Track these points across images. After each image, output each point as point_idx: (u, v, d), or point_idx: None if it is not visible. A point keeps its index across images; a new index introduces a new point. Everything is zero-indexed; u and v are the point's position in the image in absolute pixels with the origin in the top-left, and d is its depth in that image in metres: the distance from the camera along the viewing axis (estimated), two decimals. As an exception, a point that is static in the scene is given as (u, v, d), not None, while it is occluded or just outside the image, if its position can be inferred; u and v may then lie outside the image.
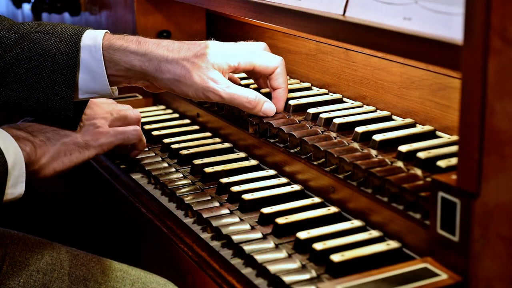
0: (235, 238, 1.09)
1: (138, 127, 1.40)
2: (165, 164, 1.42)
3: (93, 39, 1.25)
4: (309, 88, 1.52)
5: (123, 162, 1.47)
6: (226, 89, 1.27)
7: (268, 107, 1.32)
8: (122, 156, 1.48)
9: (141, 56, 1.26)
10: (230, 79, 1.39)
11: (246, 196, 1.20)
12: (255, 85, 1.47)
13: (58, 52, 1.23)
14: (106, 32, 1.28)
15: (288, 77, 1.61)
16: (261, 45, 1.38)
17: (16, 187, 1.17)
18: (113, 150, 1.41)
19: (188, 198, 1.25)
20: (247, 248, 1.06)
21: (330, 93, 1.47)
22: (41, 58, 1.24)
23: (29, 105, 1.26)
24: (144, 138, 1.43)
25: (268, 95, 1.36)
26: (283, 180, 1.27)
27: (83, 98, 1.28)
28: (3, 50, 1.24)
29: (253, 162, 1.37)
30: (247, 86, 1.47)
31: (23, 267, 1.31)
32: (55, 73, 1.23)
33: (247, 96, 1.29)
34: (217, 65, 1.27)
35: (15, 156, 1.17)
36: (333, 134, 1.25)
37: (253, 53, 1.33)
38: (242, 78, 1.54)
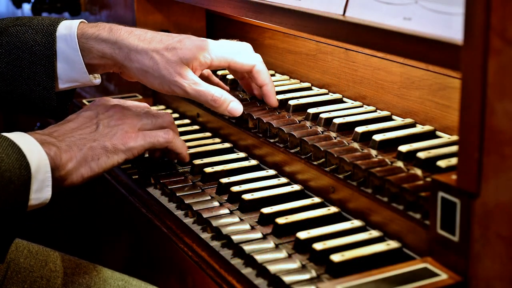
0: (235, 238, 1.09)
1: (170, 130, 1.32)
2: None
3: (68, 28, 1.26)
4: (309, 88, 1.52)
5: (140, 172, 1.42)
6: (193, 85, 1.26)
7: (234, 106, 1.31)
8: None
9: (112, 44, 1.26)
10: (206, 77, 1.39)
11: (246, 196, 1.20)
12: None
13: (35, 44, 1.25)
14: (81, 22, 1.28)
15: (287, 77, 1.61)
16: (243, 45, 1.37)
17: (41, 192, 1.11)
18: (162, 156, 1.36)
19: (188, 198, 1.25)
20: (247, 248, 1.06)
21: (330, 93, 1.47)
22: (20, 50, 1.25)
23: (14, 98, 1.27)
24: (178, 141, 1.34)
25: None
26: (283, 180, 1.27)
27: (64, 87, 1.29)
28: None
29: (253, 162, 1.37)
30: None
31: (27, 274, 1.32)
32: (34, 64, 1.24)
33: (213, 93, 1.28)
34: (187, 60, 1.26)
35: (39, 160, 1.11)
36: (333, 134, 1.25)
37: (229, 51, 1.32)
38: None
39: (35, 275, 1.32)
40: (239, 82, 1.46)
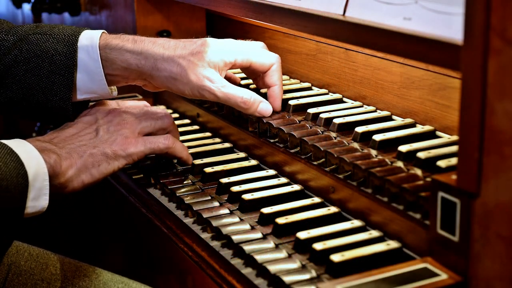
0: (235, 238, 1.09)
1: (169, 136, 1.32)
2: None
3: (90, 39, 1.26)
4: (309, 88, 1.52)
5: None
6: (222, 88, 1.27)
7: (264, 107, 1.32)
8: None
9: (137, 55, 1.26)
10: (229, 77, 1.39)
11: (246, 196, 1.20)
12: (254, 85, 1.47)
13: (55, 53, 1.24)
14: (103, 32, 1.28)
15: (287, 77, 1.61)
16: (259, 44, 1.38)
17: (38, 200, 1.11)
18: (162, 158, 1.37)
19: (188, 198, 1.25)
20: (247, 248, 1.06)
21: (330, 93, 1.47)
22: (39, 59, 1.24)
23: (29, 106, 1.26)
24: (179, 145, 1.34)
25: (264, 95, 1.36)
26: (283, 180, 1.27)
27: (82, 98, 1.28)
28: (1, 52, 1.25)
29: (253, 162, 1.37)
30: (247, 86, 1.48)
31: (28, 276, 1.32)
32: (53, 74, 1.23)
33: (242, 96, 1.28)
34: (213, 63, 1.27)
35: (37, 168, 1.10)
36: (333, 134, 1.25)
37: (250, 51, 1.32)
38: (242, 78, 1.54)
39: (35, 278, 1.32)
40: (253, 81, 1.45)
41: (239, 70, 1.47)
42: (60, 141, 1.21)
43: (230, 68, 1.32)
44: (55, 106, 1.25)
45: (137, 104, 1.38)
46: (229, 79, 1.39)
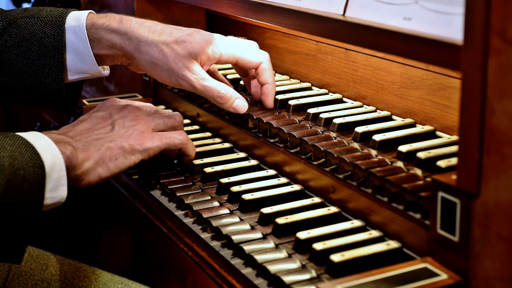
0: (235, 238, 1.09)
1: (183, 132, 1.33)
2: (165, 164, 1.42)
3: (77, 19, 1.26)
4: (309, 88, 1.52)
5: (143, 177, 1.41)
6: (200, 80, 1.27)
7: (239, 103, 1.31)
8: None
9: (122, 35, 1.26)
10: (213, 73, 1.39)
11: (246, 196, 1.20)
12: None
13: (44, 36, 1.24)
14: (90, 12, 1.28)
15: (287, 77, 1.61)
16: (250, 43, 1.37)
17: (57, 191, 1.09)
18: (162, 157, 1.36)
19: (188, 198, 1.25)
20: (247, 248, 1.06)
21: (330, 93, 1.47)
22: (29, 42, 1.25)
23: (23, 90, 1.27)
24: (191, 143, 1.35)
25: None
26: (283, 180, 1.27)
27: (74, 78, 1.28)
28: None
29: (253, 162, 1.37)
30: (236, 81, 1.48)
31: (28, 277, 1.32)
32: (44, 56, 1.24)
33: (220, 90, 1.28)
34: (196, 54, 1.26)
35: (53, 158, 1.08)
36: (333, 134, 1.25)
37: (238, 47, 1.32)
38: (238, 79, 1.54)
39: (36, 279, 1.33)
40: (242, 79, 1.46)
41: (233, 70, 1.48)
42: (76, 135, 1.20)
43: (216, 63, 1.32)
44: (48, 88, 1.26)
45: (145, 104, 1.37)
46: (211, 75, 1.37)
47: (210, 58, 1.28)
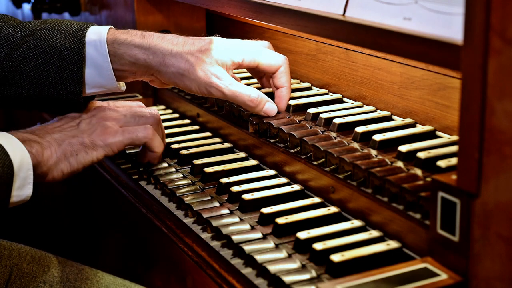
0: (235, 238, 1.09)
1: (149, 126, 1.31)
2: (165, 164, 1.42)
3: (97, 34, 1.26)
4: (309, 88, 1.52)
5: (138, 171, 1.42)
6: (229, 85, 1.27)
7: (269, 107, 1.32)
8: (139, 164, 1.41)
9: (146, 50, 1.26)
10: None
11: (246, 196, 1.20)
12: (258, 84, 1.47)
13: (64, 48, 1.24)
14: (110, 28, 1.28)
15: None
16: (265, 44, 1.38)
17: (23, 189, 1.13)
18: (134, 159, 1.37)
19: (188, 198, 1.25)
20: (247, 248, 1.06)
21: (330, 93, 1.47)
22: (48, 55, 1.25)
23: (39, 101, 1.27)
24: (157, 139, 1.33)
25: (271, 95, 1.36)
26: (283, 180, 1.27)
27: (91, 92, 1.29)
28: (10, 48, 1.25)
29: (253, 162, 1.37)
30: (248, 85, 1.48)
31: (30, 279, 1.33)
32: (62, 69, 1.24)
33: (250, 94, 1.29)
34: (221, 61, 1.27)
35: (21, 158, 1.12)
36: (333, 134, 1.25)
37: (258, 51, 1.33)
38: (245, 77, 1.54)
39: (38, 280, 1.33)
40: (257, 80, 1.45)
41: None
42: (43, 132, 1.23)
43: (237, 68, 1.32)
44: (66, 99, 1.26)
45: (130, 104, 1.37)
46: None
47: (234, 63, 1.29)
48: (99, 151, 1.26)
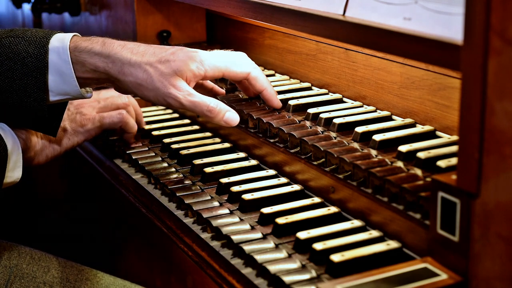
0: (235, 238, 1.09)
1: (123, 111, 1.49)
2: (165, 164, 1.42)
3: (60, 41, 1.26)
4: (309, 88, 1.52)
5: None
6: (188, 96, 1.26)
7: (229, 116, 1.28)
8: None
9: (105, 58, 1.26)
10: (211, 88, 1.41)
11: (246, 196, 1.20)
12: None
13: (27, 55, 1.24)
14: (74, 35, 1.28)
15: (287, 77, 1.61)
16: (238, 54, 1.36)
17: (14, 171, 1.27)
18: (110, 135, 1.52)
19: (188, 198, 1.25)
20: (247, 248, 1.06)
21: (330, 93, 1.47)
22: (12, 62, 1.24)
23: (4, 109, 1.27)
24: (131, 121, 1.51)
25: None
26: (283, 180, 1.27)
27: (55, 100, 1.27)
28: None
29: (253, 162, 1.37)
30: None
31: (30, 279, 1.33)
32: (26, 76, 1.24)
33: (209, 104, 1.27)
34: (180, 72, 1.26)
35: (13, 142, 1.27)
36: (333, 134, 1.25)
37: (223, 60, 1.31)
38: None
39: (37, 281, 1.33)
40: (237, 86, 1.45)
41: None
42: None
43: (202, 79, 1.32)
44: (30, 107, 1.26)
45: (107, 91, 1.51)
46: (211, 90, 1.41)
47: (195, 74, 1.27)
48: (79, 137, 1.45)
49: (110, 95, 1.51)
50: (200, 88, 1.37)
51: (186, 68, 1.26)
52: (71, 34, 1.27)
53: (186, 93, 1.25)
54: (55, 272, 1.35)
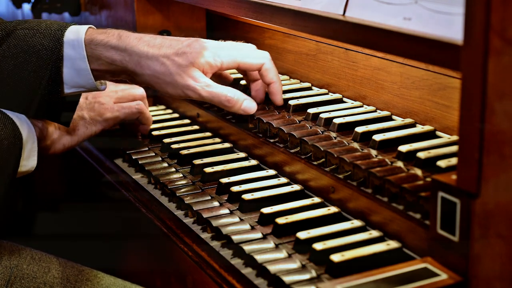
0: (235, 238, 1.09)
1: (141, 102, 1.48)
2: (165, 164, 1.42)
3: (75, 34, 1.26)
4: (309, 88, 1.52)
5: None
6: (206, 87, 1.27)
7: (248, 104, 1.32)
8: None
9: (122, 51, 1.26)
10: (221, 75, 1.41)
11: (246, 196, 1.20)
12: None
13: (42, 48, 1.24)
14: (89, 27, 1.28)
15: (287, 77, 1.61)
16: (249, 46, 1.38)
17: (29, 160, 1.26)
18: (124, 129, 1.52)
19: (188, 198, 1.25)
20: (247, 248, 1.06)
21: (330, 93, 1.47)
22: (27, 54, 1.25)
23: (18, 101, 1.27)
24: (148, 113, 1.51)
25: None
26: (283, 180, 1.27)
27: (70, 92, 1.28)
28: None
29: (253, 162, 1.37)
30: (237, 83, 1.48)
31: (31, 279, 1.33)
32: (41, 68, 1.24)
33: (226, 94, 1.29)
34: (198, 63, 1.27)
35: (28, 131, 1.25)
36: (333, 134, 1.25)
37: (237, 52, 1.33)
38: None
39: (38, 281, 1.33)
40: (244, 79, 1.45)
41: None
42: None
43: (218, 70, 1.32)
44: (44, 100, 1.26)
45: (135, 87, 1.50)
46: (219, 76, 1.42)
47: (212, 66, 1.29)
48: (97, 126, 1.44)
49: (127, 86, 1.51)
50: (213, 76, 1.37)
51: (203, 60, 1.27)
52: (86, 27, 1.27)
53: (204, 84, 1.27)
54: (56, 273, 1.35)
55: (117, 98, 1.47)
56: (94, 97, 1.44)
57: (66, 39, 1.25)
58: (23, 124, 1.24)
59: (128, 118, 1.48)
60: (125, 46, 1.26)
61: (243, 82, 1.51)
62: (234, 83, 1.54)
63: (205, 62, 1.28)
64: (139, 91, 1.51)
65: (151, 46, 1.27)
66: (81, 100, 1.40)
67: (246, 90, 1.48)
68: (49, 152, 1.36)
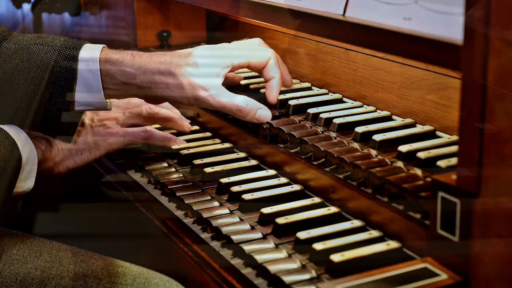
0: (235, 238, 1.09)
1: (148, 128, 1.46)
2: (165, 164, 1.42)
3: (90, 52, 1.27)
4: (309, 88, 1.52)
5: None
6: (216, 97, 1.27)
7: (262, 113, 1.31)
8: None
9: (136, 70, 1.28)
10: (230, 78, 1.42)
11: (246, 196, 1.20)
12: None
13: (56, 65, 1.25)
14: (103, 47, 1.29)
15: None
16: (255, 41, 1.40)
17: (26, 181, 1.25)
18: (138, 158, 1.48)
19: (188, 198, 1.25)
20: (247, 248, 1.06)
21: (330, 93, 1.47)
22: (39, 69, 1.25)
23: (26, 114, 1.27)
24: (158, 134, 1.46)
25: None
26: (283, 180, 1.27)
27: (78, 110, 1.29)
28: (3, 60, 1.26)
29: (253, 162, 1.37)
30: (247, 86, 1.48)
31: (21, 265, 1.32)
32: (53, 85, 1.26)
33: (237, 104, 1.29)
34: (209, 71, 1.28)
35: (29, 153, 1.24)
36: (333, 134, 1.25)
37: (247, 51, 1.35)
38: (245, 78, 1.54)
39: (28, 267, 1.32)
40: (258, 74, 1.45)
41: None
42: None
43: (230, 71, 1.33)
44: (51, 116, 1.28)
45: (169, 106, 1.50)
46: (232, 79, 1.42)
47: (224, 69, 1.30)
48: (101, 150, 1.42)
49: (136, 102, 1.49)
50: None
51: (213, 66, 1.29)
52: (100, 46, 1.29)
53: (215, 93, 1.27)
54: (48, 256, 1.35)
55: (124, 119, 1.46)
56: (100, 119, 1.44)
57: (81, 57, 1.27)
58: (25, 145, 1.24)
59: (133, 143, 1.46)
60: (139, 65, 1.28)
61: (253, 86, 1.50)
62: (244, 89, 1.53)
63: (216, 67, 1.29)
64: (151, 111, 1.48)
65: (162, 62, 1.29)
66: (87, 122, 1.42)
67: (257, 93, 1.48)
68: (53, 173, 1.37)
